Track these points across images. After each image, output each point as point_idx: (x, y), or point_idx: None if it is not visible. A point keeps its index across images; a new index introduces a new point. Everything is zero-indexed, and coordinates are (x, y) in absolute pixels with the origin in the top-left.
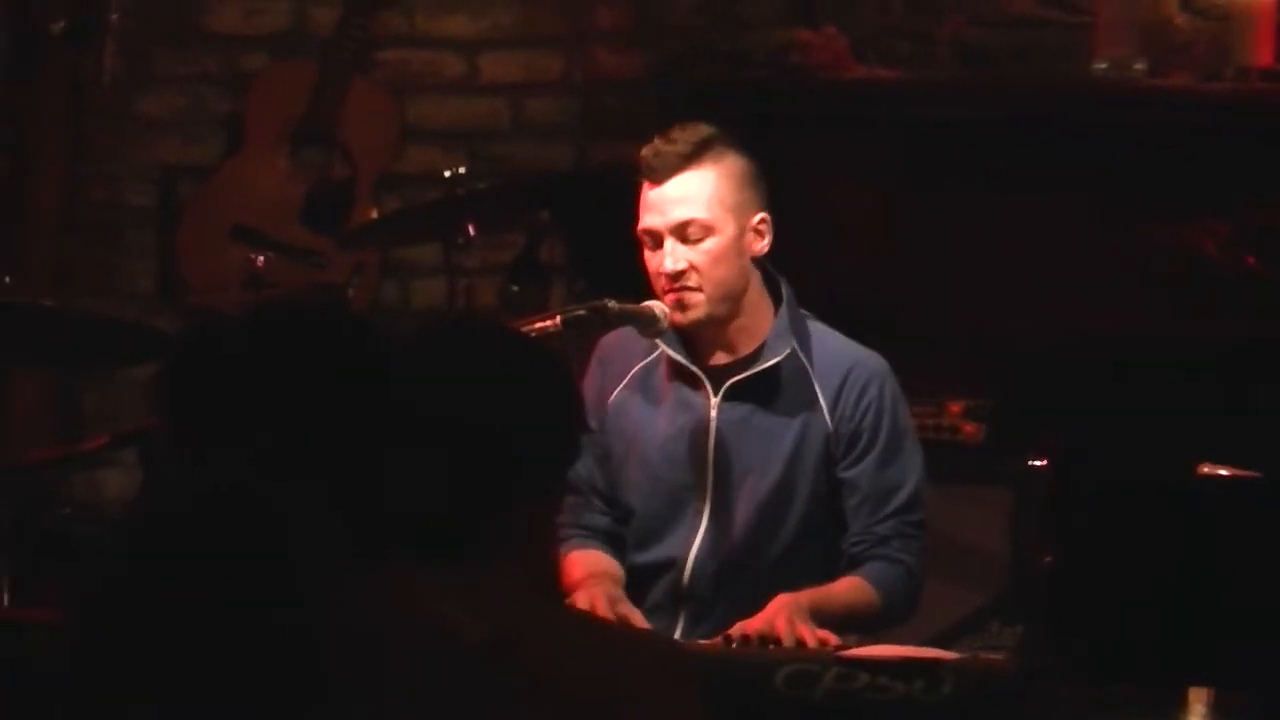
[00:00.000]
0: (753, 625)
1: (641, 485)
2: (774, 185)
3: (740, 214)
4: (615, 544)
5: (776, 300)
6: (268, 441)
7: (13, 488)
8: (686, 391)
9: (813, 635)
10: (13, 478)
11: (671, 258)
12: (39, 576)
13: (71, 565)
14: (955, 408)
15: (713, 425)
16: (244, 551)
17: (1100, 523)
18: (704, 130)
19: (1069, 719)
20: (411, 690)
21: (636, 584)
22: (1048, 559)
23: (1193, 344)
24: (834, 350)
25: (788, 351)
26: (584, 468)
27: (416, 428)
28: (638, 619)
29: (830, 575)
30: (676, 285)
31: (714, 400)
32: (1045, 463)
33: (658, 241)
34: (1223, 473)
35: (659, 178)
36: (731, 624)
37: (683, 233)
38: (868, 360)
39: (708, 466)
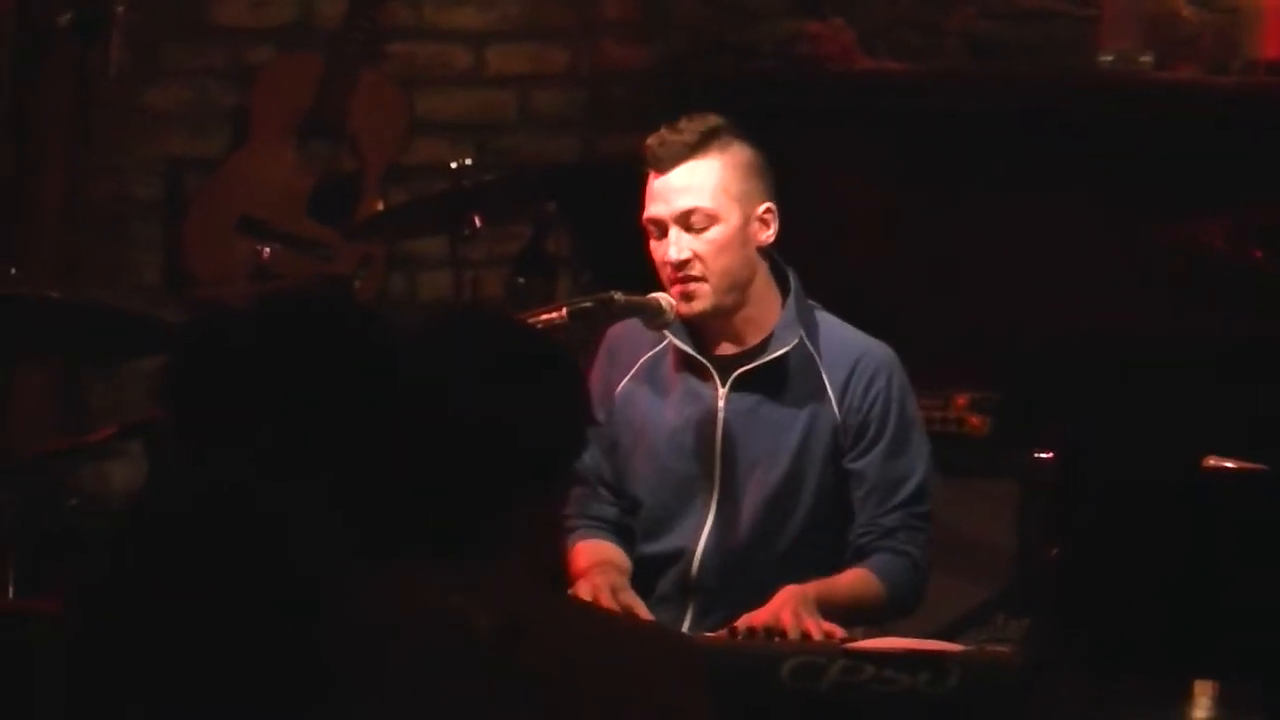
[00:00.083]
0: (759, 618)
1: (649, 476)
2: (781, 178)
3: (745, 203)
4: (622, 535)
5: (784, 290)
6: (272, 434)
7: (19, 479)
8: (694, 382)
9: (818, 628)
10: (19, 469)
11: (676, 246)
12: (45, 568)
13: (78, 557)
14: (961, 400)
15: (720, 416)
16: (247, 547)
17: (1106, 516)
18: (711, 120)
19: (1075, 712)
20: (418, 683)
21: (644, 575)
22: (1054, 552)
23: (1198, 338)
24: (842, 340)
25: (795, 341)
26: (591, 459)
27: (422, 420)
28: (641, 609)
29: (838, 566)
30: (681, 275)
31: (721, 391)
32: (1051, 456)
33: (663, 230)
34: (1228, 466)
35: (664, 167)
36: (740, 615)
37: (687, 221)
38: (876, 350)
39: (715, 457)
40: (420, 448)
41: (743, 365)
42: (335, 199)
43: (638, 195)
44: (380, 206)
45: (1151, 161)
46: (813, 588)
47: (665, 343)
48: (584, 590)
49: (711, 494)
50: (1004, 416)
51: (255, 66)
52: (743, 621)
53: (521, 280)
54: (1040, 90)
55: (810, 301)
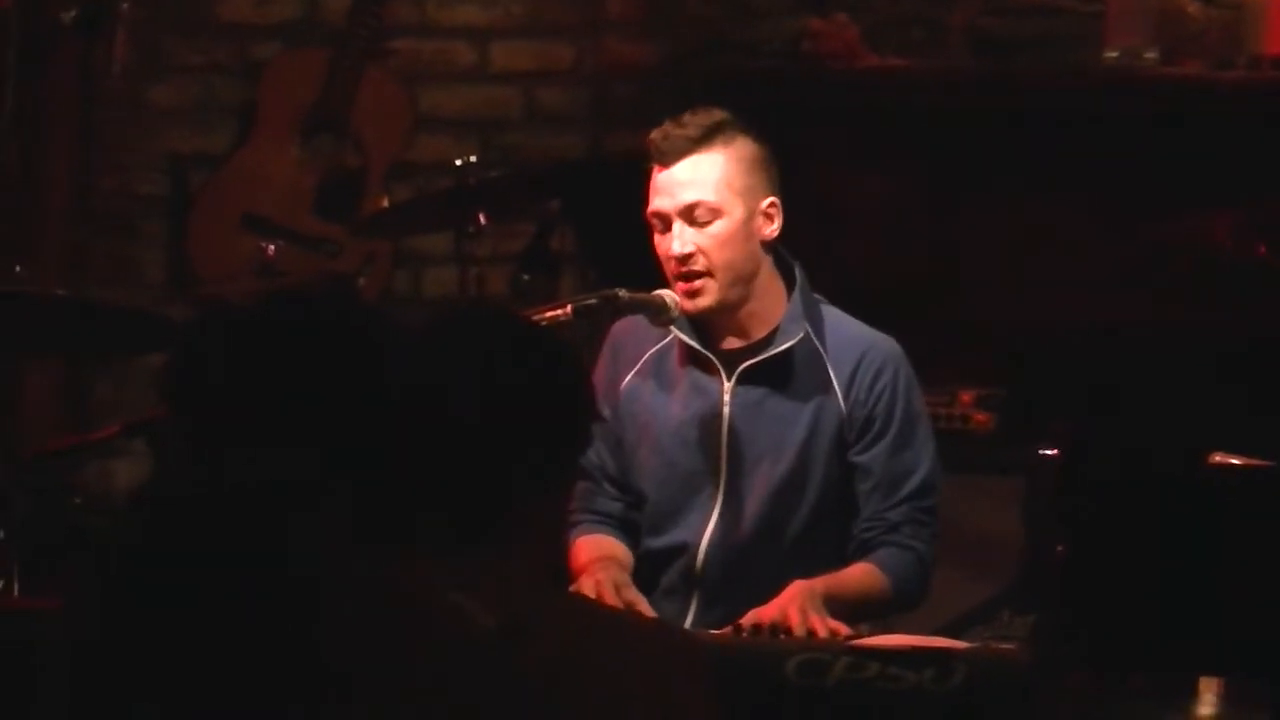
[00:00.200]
0: (766, 613)
1: (655, 471)
2: (786, 174)
3: (749, 198)
4: (627, 530)
5: (789, 285)
6: (276, 432)
7: (24, 477)
8: (699, 376)
9: (824, 626)
10: (24, 467)
11: (679, 240)
12: (49, 566)
13: (82, 555)
14: (967, 397)
15: (726, 410)
16: (249, 545)
17: (1111, 512)
18: (715, 115)
19: (1080, 709)
20: (419, 681)
21: (650, 568)
22: (1059, 548)
23: (1204, 333)
24: (848, 334)
25: (801, 335)
26: (596, 454)
27: (426, 417)
28: (643, 605)
29: (842, 559)
30: (685, 270)
31: (727, 385)
32: (1057, 452)
33: (666, 224)
34: (1234, 462)
35: (668, 161)
36: (745, 608)
37: (690, 215)
38: (882, 344)
39: (721, 451)
40: (424, 445)
41: (748, 359)
42: (340, 196)
43: (642, 192)
44: (385, 203)
45: (1157, 157)
46: (820, 583)
47: (670, 338)
48: (586, 586)
49: (717, 488)
50: (1009, 413)
51: (260, 63)
52: (750, 617)
53: (526, 277)
54: (1045, 86)
55: (816, 295)
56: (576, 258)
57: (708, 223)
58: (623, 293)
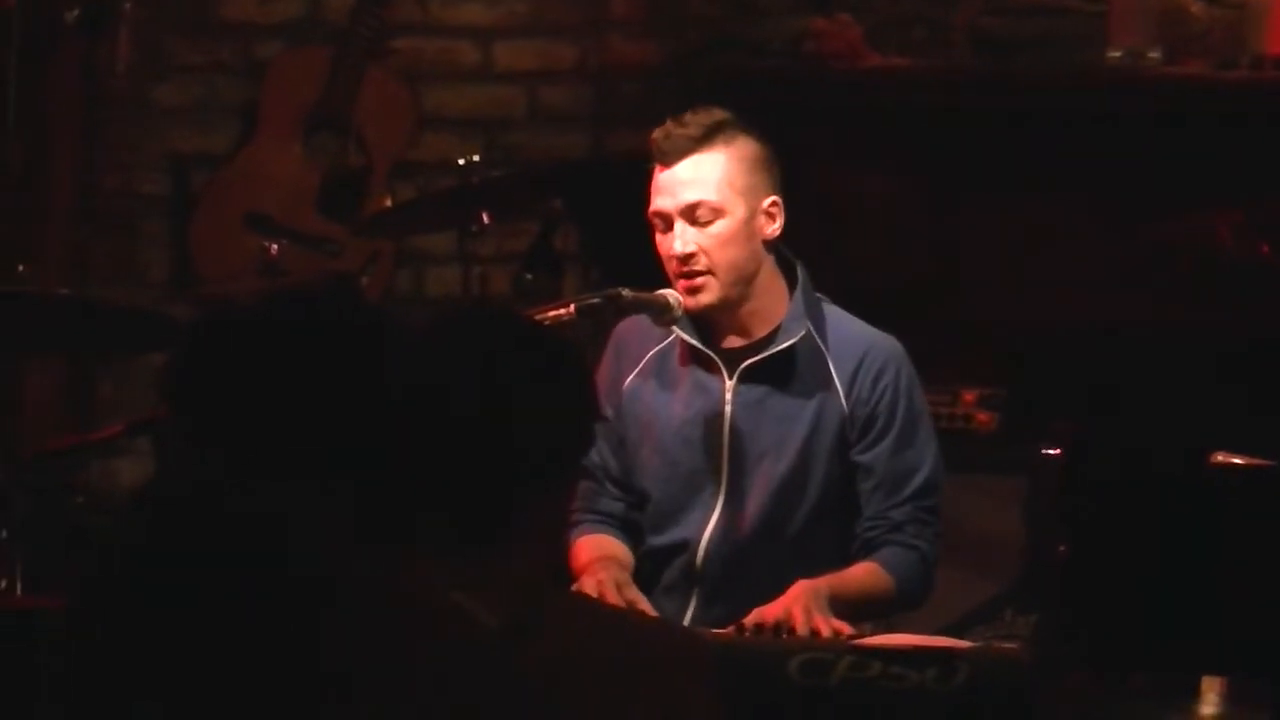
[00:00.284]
0: (770, 612)
1: (658, 470)
2: (788, 174)
3: (751, 197)
4: (629, 530)
5: (791, 283)
6: (278, 431)
7: (27, 476)
8: (701, 375)
9: (828, 625)
10: (26, 466)
11: (681, 240)
12: (52, 565)
13: (85, 554)
14: (969, 396)
15: (728, 408)
16: (251, 544)
17: (1114, 511)
18: (717, 114)
19: (1083, 708)
20: (422, 681)
21: (651, 566)
22: (1061, 548)
23: (1206, 333)
24: (850, 333)
25: (803, 334)
26: (598, 454)
27: (429, 416)
28: (644, 604)
29: (843, 558)
30: (686, 269)
31: (729, 383)
32: (1059, 451)
33: (668, 224)
34: (1236, 461)
35: (669, 160)
36: (744, 606)
37: (692, 215)
38: (883, 343)
39: (723, 449)
40: (426, 445)
41: (750, 357)
42: (343, 195)
43: (645, 191)
44: (388, 203)
45: (1159, 157)
46: (824, 582)
47: (672, 337)
48: (588, 585)
49: (719, 486)
50: (1011, 412)
51: (262, 62)
52: (754, 616)
53: (529, 276)
54: (1047, 86)
55: (817, 294)
56: (579, 257)
57: (709, 222)
58: (626, 292)
